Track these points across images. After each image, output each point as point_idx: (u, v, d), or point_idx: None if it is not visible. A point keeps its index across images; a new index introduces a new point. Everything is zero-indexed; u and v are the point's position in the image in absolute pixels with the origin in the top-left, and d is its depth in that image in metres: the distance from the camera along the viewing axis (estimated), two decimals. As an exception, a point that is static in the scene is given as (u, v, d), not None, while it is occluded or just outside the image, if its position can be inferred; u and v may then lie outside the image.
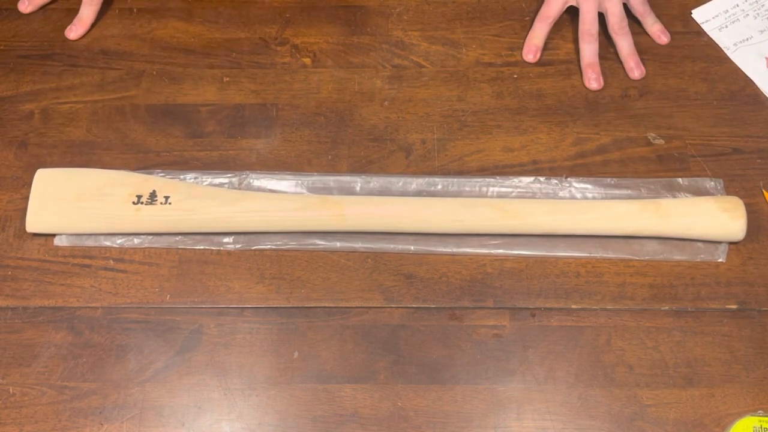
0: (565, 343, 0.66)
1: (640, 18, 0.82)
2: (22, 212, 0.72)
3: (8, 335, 0.67)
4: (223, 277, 0.70)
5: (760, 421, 0.62)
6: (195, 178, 0.74)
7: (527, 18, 0.84)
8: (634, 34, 0.82)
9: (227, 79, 0.81)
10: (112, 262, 0.71)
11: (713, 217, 0.68)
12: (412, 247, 0.71)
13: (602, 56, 0.81)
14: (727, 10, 0.84)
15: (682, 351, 0.66)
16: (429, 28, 0.84)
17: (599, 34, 0.81)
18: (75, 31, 0.84)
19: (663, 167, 0.74)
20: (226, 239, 0.71)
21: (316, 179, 0.74)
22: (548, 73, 0.81)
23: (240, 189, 0.73)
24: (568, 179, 0.74)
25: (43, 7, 0.86)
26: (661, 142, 0.76)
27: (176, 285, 0.69)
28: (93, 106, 0.79)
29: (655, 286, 0.69)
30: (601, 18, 0.81)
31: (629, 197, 0.72)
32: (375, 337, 0.67)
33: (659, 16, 0.84)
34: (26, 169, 0.75)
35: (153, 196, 0.71)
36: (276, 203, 0.71)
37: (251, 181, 0.74)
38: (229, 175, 0.74)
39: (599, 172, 0.74)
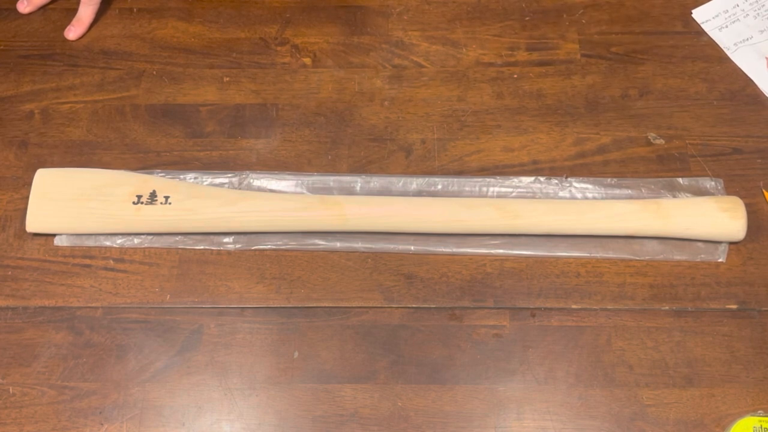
0: (565, 343, 0.66)
1: None
2: (22, 212, 0.72)
3: (8, 335, 0.67)
4: (223, 277, 0.70)
5: (760, 421, 0.62)
6: (195, 178, 0.74)
7: (527, 18, 0.84)
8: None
9: (227, 79, 0.81)
10: (112, 262, 0.71)
11: (713, 217, 0.68)
12: (412, 247, 0.71)
13: (602, 56, 0.81)
14: (727, 10, 0.84)
15: (682, 351, 0.66)
16: (429, 28, 0.84)
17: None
18: (74, 31, 0.84)
19: (663, 167, 0.74)
20: (226, 239, 0.71)
21: (316, 179, 0.74)
22: (548, 73, 0.81)
23: (240, 189, 0.73)
24: (569, 179, 0.74)
25: (42, 7, 0.86)
26: (661, 142, 0.76)
27: (176, 285, 0.69)
28: (93, 106, 0.79)
29: (655, 286, 0.69)
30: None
31: (629, 197, 0.72)
32: (375, 337, 0.67)
33: (659, 16, 0.84)
34: (26, 169, 0.75)
35: (153, 196, 0.71)
36: (276, 203, 0.70)
37: (251, 181, 0.74)
38: (229, 175, 0.74)
39: (599, 172, 0.74)
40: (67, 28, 0.84)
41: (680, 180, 0.73)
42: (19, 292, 0.69)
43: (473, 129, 0.77)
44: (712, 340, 0.66)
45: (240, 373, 0.66)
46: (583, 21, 0.84)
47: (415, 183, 0.74)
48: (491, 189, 0.73)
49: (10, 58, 0.83)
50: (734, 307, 0.68)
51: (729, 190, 0.73)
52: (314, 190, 0.74)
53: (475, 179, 0.74)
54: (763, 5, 0.85)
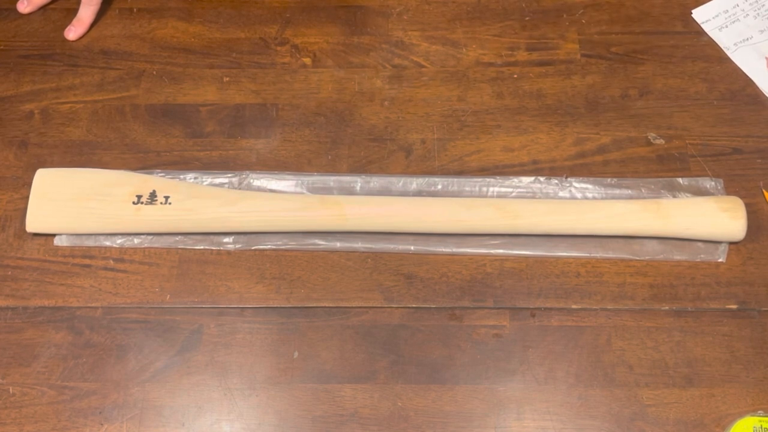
0: (565, 343, 0.66)
1: None
2: (22, 212, 0.72)
3: (8, 335, 0.67)
4: (223, 277, 0.70)
5: (760, 421, 0.62)
6: (195, 178, 0.74)
7: (527, 18, 0.84)
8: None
9: (227, 79, 0.81)
10: (112, 262, 0.71)
11: (713, 217, 0.68)
12: (412, 247, 0.71)
13: (602, 56, 0.81)
14: (727, 10, 0.84)
15: (682, 351, 0.66)
16: (429, 28, 0.84)
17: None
18: (74, 31, 0.84)
19: (663, 167, 0.74)
20: (226, 239, 0.71)
21: (316, 179, 0.74)
22: (548, 73, 0.81)
23: (240, 189, 0.73)
24: (568, 179, 0.74)
25: (42, 7, 0.86)
26: (661, 142, 0.76)
27: (176, 285, 0.69)
28: (93, 106, 0.79)
29: (655, 286, 0.69)
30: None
31: (629, 197, 0.72)
32: (375, 337, 0.67)
33: (659, 16, 0.84)
34: (26, 169, 0.75)
35: (153, 196, 0.71)
36: (276, 203, 0.70)
37: (251, 181, 0.74)
38: (229, 175, 0.74)
39: (599, 172, 0.74)
40: (67, 28, 0.84)
41: (680, 180, 0.73)
42: (19, 292, 0.69)
43: (473, 129, 0.77)
44: (712, 340, 0.66)
45: (240, 373, 0.66)
46: (583, 21, 0.84)
47: (415, 183, 0.74)
48: (491, 189, 0.73)
49: (10, 58, 0.83)
50: (734, 307, 0.68)
51: (729, 190, 0.73)
52: (314, 190, 0.74)
53: (475, 179, 0.74)
54: (763, 5, 0.85)
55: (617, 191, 0.73)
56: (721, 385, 0.64)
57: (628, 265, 0.70)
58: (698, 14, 0.84)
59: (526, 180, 0.73)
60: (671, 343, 0.66)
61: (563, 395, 0.64)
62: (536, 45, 0.82)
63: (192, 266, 0.70)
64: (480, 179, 0.74)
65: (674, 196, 0.72)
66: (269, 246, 0.71)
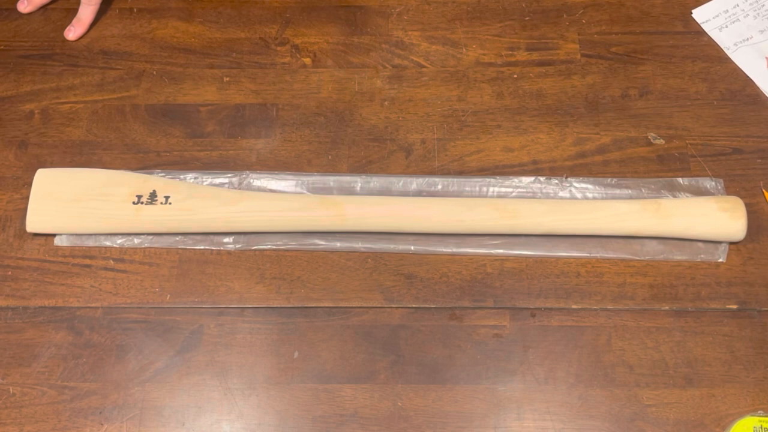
0: (566, 343, 0.66)
1: None
2: (22, 212, 0.72)
3: (8, 335, 0.67)
4: (223, 277, 0.70)
5: (760, 421, 0.62)
6: (195, 178, 0.74)
7: (527, 18, 0.84)
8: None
9: (227, 79, 0.81)
10: (112, 262, 0.71)
11: (713, 217, 0.68)
12: (412, 247, 0.71)
13: (602, 56, 0.81)
14: (727, 10, 0.84)
15: (683, 351, 0.66)
16: (429, 28, 0.84)
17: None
18: (74, 31, 0.84)
19: (663, 167, 0.74)
20: (226, 239, 0.71)
21: (316, 179, 0.74)
22: (548, 73, 0.81)
23: (240, 189, 0.73)
24: (569, 179, 0.74)
25: (43, 7, 0.86)
26: (662, 142, 0.76)
27: (176, 285, 0.69)
28: (93, 106, 0.79)
29: (656, 286, 0.69)
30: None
31: (629, 197, 0.72)
32: (375, 337, 0.67)
33: (659, 16, 0.84)
34: (26, 169, 0.75)
35: (153, 196, 0.71)
36: (276, 203, 0.70)
37: (251, 181, 0.74)
38: (229, 175, 0.74)
39: (599, 172, 0.74)
40: (67, 28, 0.84)
41: (680, 180, 0.73)
42: (19, 292, 0.69)
43: (473, 129, 0.77)
44: (712, 340, 0.66)
45: (240, 373, 0.66)
46: (583, 21, 0.84)
47: (415, 183, 0.74)
48: (491, 189, 0.73)
49: (10, 58, 0.83)
50: (734, 307, 0.68)
51: (729, 190, 0.73)
52: (314, 190, 0.74)
53: (475, 179, 0.74)
54: (763, 5, 0.85)
55: (617, 191, 0.73)
56: (721, 385, 0.64)
57: (628, 265, 0.70)
58: (698, 14, 0.84)
59: (526, 180, 0.74)
60: (671, 343, 0.66)
61: (563, 395, 0.64)
62: (536, 45, 0.82)
63: (192, 266, 0.70)
64: (480, 179, 0.74)
65: (674, 196, 0.72)
66: (269, 246, 0.71)
